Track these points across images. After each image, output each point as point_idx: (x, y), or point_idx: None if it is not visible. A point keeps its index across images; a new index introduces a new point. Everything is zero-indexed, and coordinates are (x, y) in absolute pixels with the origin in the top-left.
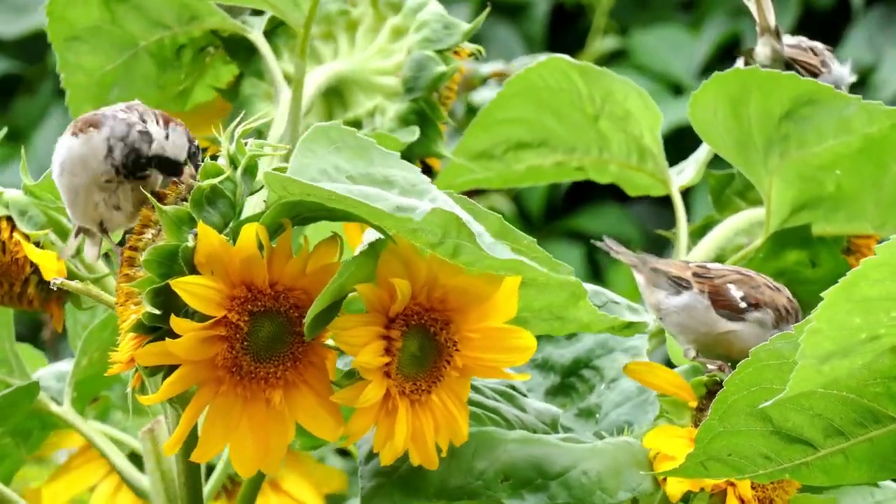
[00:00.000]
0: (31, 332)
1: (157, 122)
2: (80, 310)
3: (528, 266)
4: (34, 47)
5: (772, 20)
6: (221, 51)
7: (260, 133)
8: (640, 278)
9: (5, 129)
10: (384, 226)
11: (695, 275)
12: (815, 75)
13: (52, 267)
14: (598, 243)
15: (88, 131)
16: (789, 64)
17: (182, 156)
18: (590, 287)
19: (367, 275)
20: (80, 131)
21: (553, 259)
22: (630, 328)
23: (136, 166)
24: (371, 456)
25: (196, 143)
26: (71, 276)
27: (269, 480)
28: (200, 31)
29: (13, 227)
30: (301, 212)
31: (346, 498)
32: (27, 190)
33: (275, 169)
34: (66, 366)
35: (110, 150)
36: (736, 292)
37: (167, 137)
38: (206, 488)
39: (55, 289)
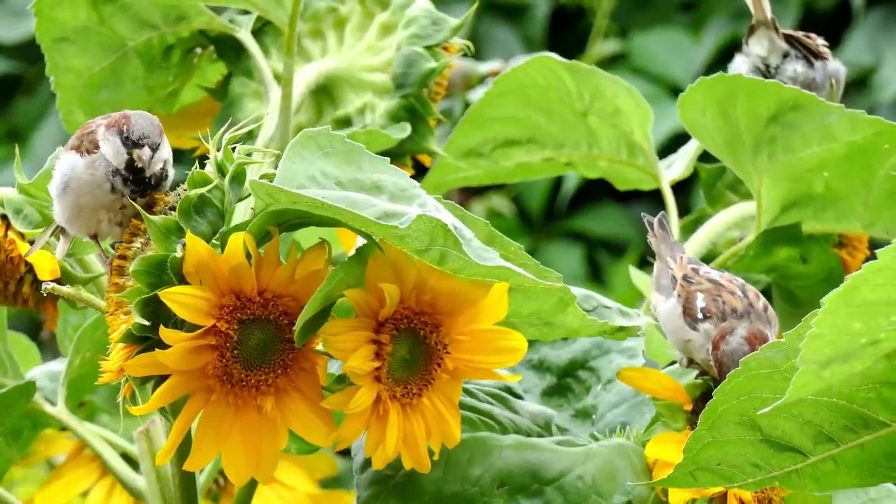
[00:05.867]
0: (29, 333)
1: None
2: (75, 310)
3: (515, 273)
4: (34, 48)
5: (768, 12)
6: (208, 50)
7: (251, 132)
8: (655, 270)
9: None
10: (371, 232)
11: (684, 277)
12: (816, 56)
13: (46, 266)
14: (648, 217)
15: (95, 153)
16: (786, 53)
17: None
18: (580, 291)
19: (355, 280)
20: (87, 152)
21: (541, 266)
22: (621, 332)
23: (141, 190)
24: (367, 465)
25: (132, 153)
26: (66, 275)
27: None
28: (188, 32)
29: (8, 226)
30: (289, 219)
31: (339, 482)
32: (22, 189)
33: (262, 176)
34: (58, 366)
35: (113, 187)
36: (700, 303)
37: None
38: (198, 484)
39: (45, 293)
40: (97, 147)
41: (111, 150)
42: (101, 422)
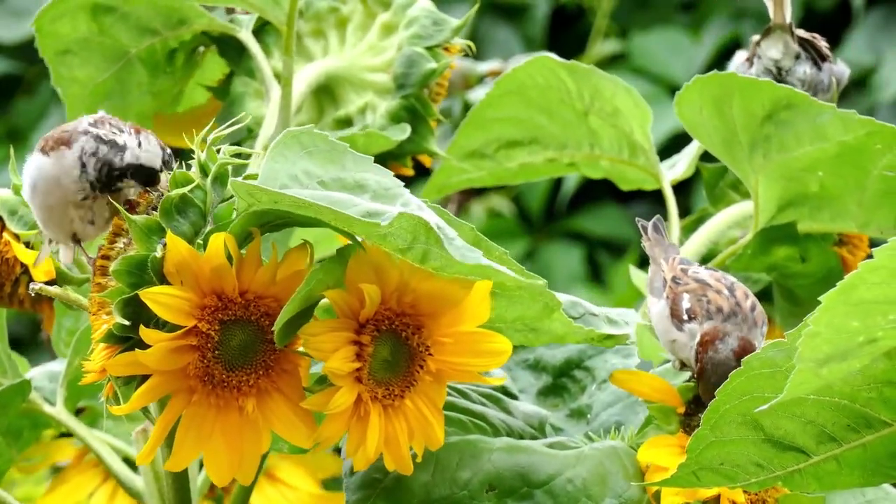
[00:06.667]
0: (30, 334)
1: (129, 132)
2: (71, 310)
3: (496, 271)
4: (34, 48)
5: (788, 16)
6: (211, 48)
7: (250, 131)
8: (649, 274)
9: None
10: (353, 231)
11: (673, 279)
12: (823, 59)
13: (41, 268)
14: (642, 221)
15: (60, 149)
16: (797, 55)
17: (157, 163)
18: (566, 297)
19: (336, 281)
20: (52, 150)
21: (525, 270)
22: (609, 340)
23: (110, 179)
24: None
25: (168, 150)
26: (61, 276)
27: (265, 471)
28: (190, 34)
29: (3, 227)
30: (271, 219)
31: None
32: (17, 190)
33: (246, 176)
34: (57, 366)
35: (83, 166)
36: (686, 304)
37: (140, 145)
38: (198, 484)
39: (32, 294)
40: (63, 144)
41: (152, 150)
42: (102, 428)
